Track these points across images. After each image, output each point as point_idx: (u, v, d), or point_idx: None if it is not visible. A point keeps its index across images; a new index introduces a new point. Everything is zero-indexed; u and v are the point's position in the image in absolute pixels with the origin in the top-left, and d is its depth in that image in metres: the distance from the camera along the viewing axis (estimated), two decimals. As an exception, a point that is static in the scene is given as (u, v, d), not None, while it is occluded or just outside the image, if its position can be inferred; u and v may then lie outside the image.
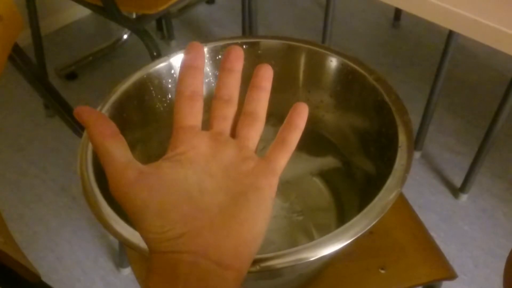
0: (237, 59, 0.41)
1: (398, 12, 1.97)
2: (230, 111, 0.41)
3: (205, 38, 1.96)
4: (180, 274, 0.33)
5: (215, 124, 0.40)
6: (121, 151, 0.35)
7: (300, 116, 0.41)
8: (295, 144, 0.40)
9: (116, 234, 0.44)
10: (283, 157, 0.39)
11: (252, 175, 0.37)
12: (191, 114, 0.39)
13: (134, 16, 1.51)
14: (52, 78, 1.79)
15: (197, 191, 0.35)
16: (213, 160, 0.37)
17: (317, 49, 0.62)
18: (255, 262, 0.42)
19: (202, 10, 2.11)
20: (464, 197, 1.40)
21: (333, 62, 0.62)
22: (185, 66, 0.39)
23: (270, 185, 0.37)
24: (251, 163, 0.38)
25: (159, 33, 1.97)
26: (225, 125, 0.40)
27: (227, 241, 0.34)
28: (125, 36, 1.92)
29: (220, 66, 0.42)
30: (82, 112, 0.35)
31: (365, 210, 0.45)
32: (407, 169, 0.48)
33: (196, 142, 0.38)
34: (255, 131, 0.40)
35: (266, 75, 0.42)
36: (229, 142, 0.39)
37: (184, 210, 0.34)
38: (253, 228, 0.35)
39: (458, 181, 1.42)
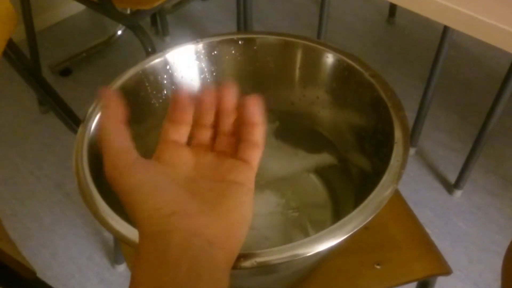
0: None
1: (393, 9, 1.97)
2: (208, 133, 0.43)
3: (200, 34, 1.95)
4: (170, 259, 0.33)
5: (197, 138, 0.43)
6: (127, 137, 0.38)
7: (255, 113, 0.41)
8: (263, 141, 0.41)
9: (112, 230, 0.44)
10: (256, 155, 0.41)
11: (232, 173, 0.40)
12: (177, 133, 0.42)
13: (128, 11, 1.50)
14: (46, 74, 1.78)
15: (184, 187, 0.38)
16: (195, 167, 0.40)
17: (314, 45, 0.62)
18: (252, 257, 0.42)
19: (196, 6, 2.11)
20: (458, 193, 1.40)
21: (329, 58, 0.62)
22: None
23: (249, 179, 0.40)
24: (229, 163, 0.40)
25: (153, 29, 1.96)
26: (205, 138, 0.43)
27: (218, 222, 0.36)
28: (119, 32, 1.91)
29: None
30: (105, 93, 0.39)
31: (361, 206, 0.45)
32: (403, 165, 0.49)
33: (179, 153, 0.41)
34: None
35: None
36: (208, 151, 0.42)
37: (176, 191, 0.37)
38: (240, 213, 0.38)
39: (452, 178, 1.43)
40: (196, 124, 0.42)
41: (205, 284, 0.33)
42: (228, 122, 0.42)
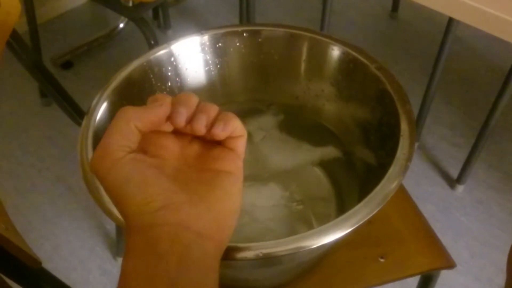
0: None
1: (396, 3, 1.97)
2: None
3: (202, 27, 1.94)
4: (160, 251, 0.33)
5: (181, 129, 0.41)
6: (132, 140, 0.36)
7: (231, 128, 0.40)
8: (244, 129, 0.40)
9: (117, 220, 0.44)
10: (241, 143, 0.41)
11: (219, 161, 0.39)
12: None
13: (131, 4, 1.50)
14: (48, 67, 1.76)
15: (173, 179, 0.37)
16: (181, 157, 0.40)
17: (319, 37, 0.62)
18: (257, 248, 0.42)
19: (199, -1, 2.10)
20: (460, 188, 1.40)
21: (334, 51, 0.61)
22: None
23: (238, 167, 0.40)
24: (216, 152, 0.40)
25: (155, 22, 1.96)
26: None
27: (207, 213, 0.36)
28: (121, 25, 1.91)
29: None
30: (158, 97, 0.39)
31: (366, 199, 0.45)
32: (409, 158, 0.48)
33: (164, 142, 0.40)
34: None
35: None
36: (193, 139, 0.41)
37: (164, 185, 0.36)
38: (228, 204, 0.38)
39: (454, 172, 1.43)
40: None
41: (195, 274, 0.33)
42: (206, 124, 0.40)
